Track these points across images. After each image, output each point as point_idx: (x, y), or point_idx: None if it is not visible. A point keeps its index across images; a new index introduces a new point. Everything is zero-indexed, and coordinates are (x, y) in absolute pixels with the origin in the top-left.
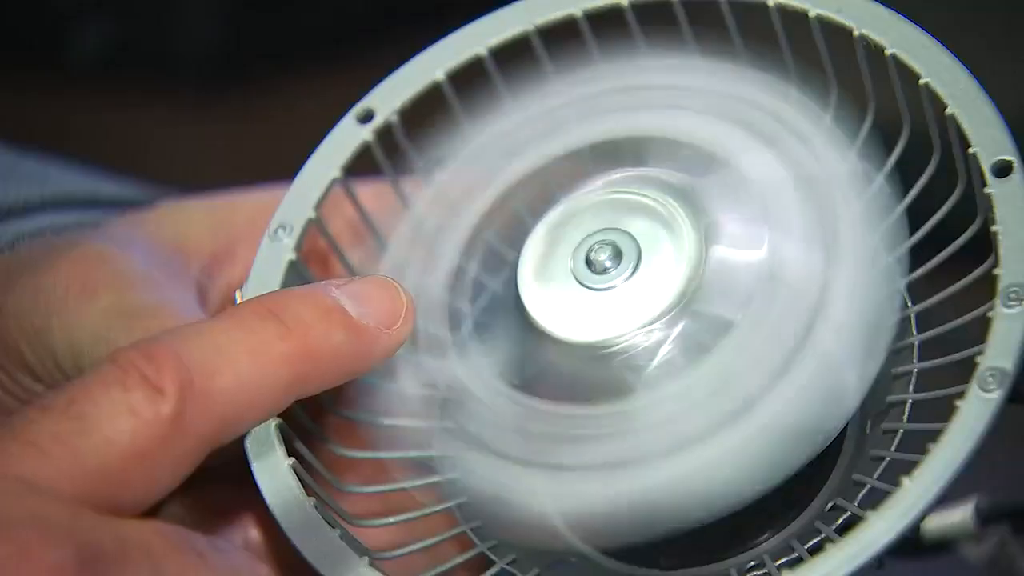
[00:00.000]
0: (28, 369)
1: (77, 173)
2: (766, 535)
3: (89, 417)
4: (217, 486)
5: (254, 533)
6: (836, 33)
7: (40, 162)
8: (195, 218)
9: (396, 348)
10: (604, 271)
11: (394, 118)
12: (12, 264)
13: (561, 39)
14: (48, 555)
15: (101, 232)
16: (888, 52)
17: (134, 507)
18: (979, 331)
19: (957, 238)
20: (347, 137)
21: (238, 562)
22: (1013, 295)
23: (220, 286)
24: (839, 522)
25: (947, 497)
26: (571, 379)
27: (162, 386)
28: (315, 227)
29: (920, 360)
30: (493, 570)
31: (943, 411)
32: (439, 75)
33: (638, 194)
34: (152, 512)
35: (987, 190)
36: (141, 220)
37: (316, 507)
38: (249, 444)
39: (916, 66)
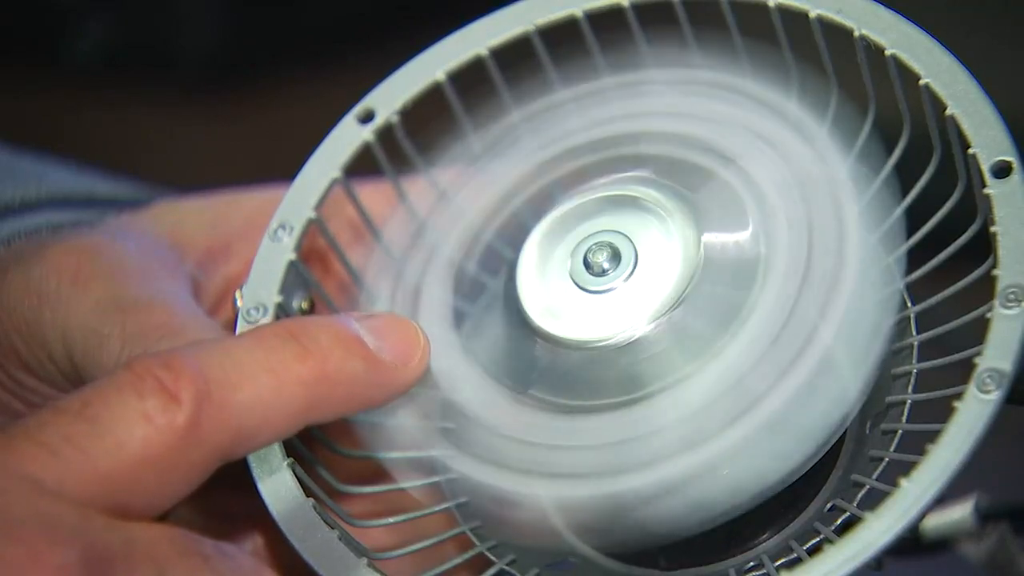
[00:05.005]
0: (23, 364)
1: (75, 172)
2: (765, 535)
3: (102, 420)
4: (226, 491)
5: (261, 539)
6: (836, 33)
7: (37, 161)
8: (191, 214)
9: (410, 385)
10: (602, 272)
11: (394, 118)
12: (7, 260)
13: (561, 39)
14: (54, 556)
15: (96, 227)
16: (888, 52)
17: (144, 512)
18: (978, 332)
19: (957, 238)
20: (347, 137)
21: (244, 566)
22: (1012, 296)
23: (215, 281)
24: (838, 523)
25: (946, 496)
26: (570, 381)
27: (178, 395)
28: (315, 227)
29: (919, 361)
30: (493, 570)
31: (942, 412)
32: (439, 75)
33: (636, 195)
34: (163, 516)
35: (986, 191)
36: (137, 216)
37: (315, 508)
38: None
39: (916, 66)
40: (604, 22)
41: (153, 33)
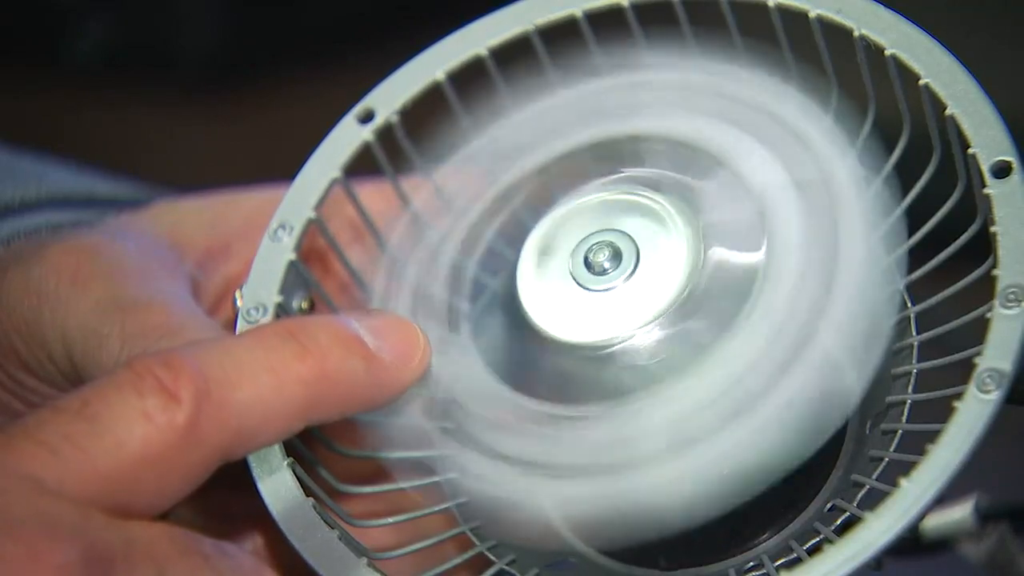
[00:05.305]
0: (23, 364)
1: (75, 172)
2: (765, 535)
3: (102, 419)
4: (226, 491)
5: (261, 539)
6: (836, 33)
7: (37, 161)
8: (191, 214)
9: (410, 385)
10: (603, 272)
11: (394, 118)
12: (6, 260)
13: (561, 39)
14: (55, 555)
15: (96, 227)
16: (888, 52)
17: (144, 511)
18: (978, 332)
19: (957, 238)
20: (347, 137)
21: (244, 565)
22: (1012, 296)
23: (214, 281)
24: (838, 523)
25: (946, 496)
26: (570, 380)
27: (178, 394)
28: (315, 227)
29: (919, 361)
30: (492, 570)
31: (942, 412)
32: (439, 75)
33: (637, 195)
34: (163, 515)
35: (986, 191)
36: (137, 216)
37: (315, 508)
38: None
39: (916, 66)
40: (604, 22)
41: (153, 33)
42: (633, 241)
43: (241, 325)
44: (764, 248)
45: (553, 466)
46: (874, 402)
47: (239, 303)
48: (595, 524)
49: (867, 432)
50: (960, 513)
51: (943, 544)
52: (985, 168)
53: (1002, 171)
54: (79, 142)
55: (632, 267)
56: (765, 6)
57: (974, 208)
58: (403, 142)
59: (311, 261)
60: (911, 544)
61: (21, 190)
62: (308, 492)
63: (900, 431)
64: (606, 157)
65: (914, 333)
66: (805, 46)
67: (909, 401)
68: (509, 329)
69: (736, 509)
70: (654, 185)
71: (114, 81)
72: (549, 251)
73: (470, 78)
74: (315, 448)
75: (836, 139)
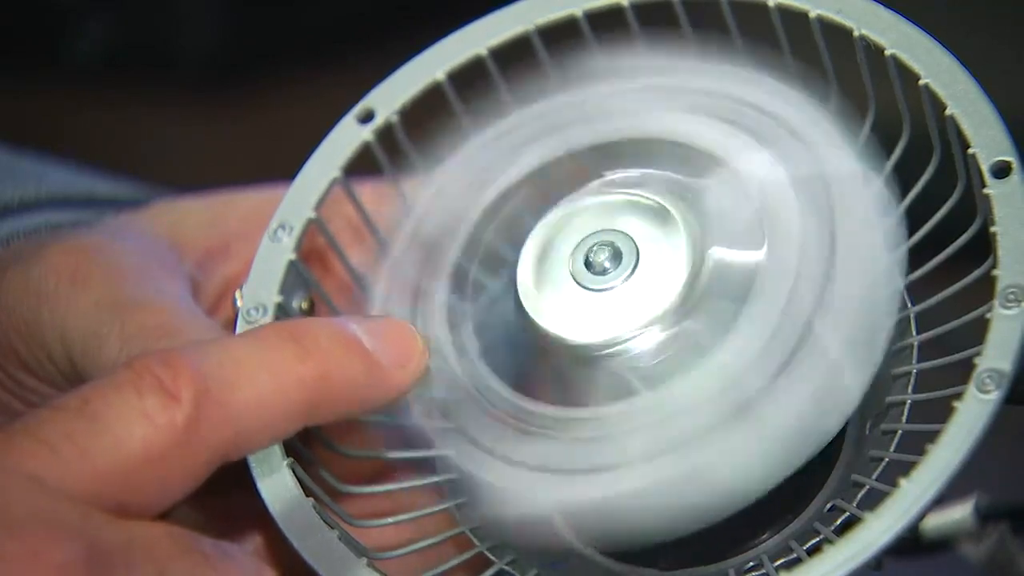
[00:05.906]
0: (23, 364)
1: (75, 172)
2: (765, 535)
3: (101, 418)
4: (226, 491)
5: (261, 539)
6: (836, 33)
7: (37, 161)
8: (190, 214)
9: (408, 387)
10: (603, 272)
11: (394, 118)
12: (6, 260)
13: (561, 39)
14: (56, 554)
15: (95, 227)
16: (888, 52)
17: (143, 511)
18: (978, 332)
19: (957, 238)
20: (347, 137)
21: (244, 565)
22: (1011, 296)
23: (214, 281)
24: (838, 523)
25: (946, 496)
26: (570, 380)
27: (178, 393)
28: (315, 227)
29: (919, 361)
30: (492, 570)
31: (942, 412)
32: (439, 75)
33: (637, 195)
34: (163, 515)
35: (986, 191)
36: (136, 216)
37: (315, 508)
38: None
39: (916, 67)
40: (604, 22)
41: (153, 33)
42: (633, 241)
43: (241, 325)
44: (764, 247)
45: (553, 466)
46: (874, 402)
47: (239, 303)
48: (595, 524)
49: (867, 432)
50: (960, 513)
51: (943, 544)
52: (985, 168)
53: (1002, 171)
54: (79, 142)
55: (632, 267)
56: (765, 6)
57: (974, 208)
58: (403, 142)
59: (311, 261)
60: (911, 544)
61: (21, 190)
62: (308, 492)
63: (900, 431)
64: (607, 157)
65: (914, 333)
66: (805, 46)
67: (909, 401)
68: (509, 329)
69: (736, 510)
70: (655, 185)
71: (114, 81)
72: (549, 251)
73: (470, 78)
74: (315, 448)
75: (836, 139)
